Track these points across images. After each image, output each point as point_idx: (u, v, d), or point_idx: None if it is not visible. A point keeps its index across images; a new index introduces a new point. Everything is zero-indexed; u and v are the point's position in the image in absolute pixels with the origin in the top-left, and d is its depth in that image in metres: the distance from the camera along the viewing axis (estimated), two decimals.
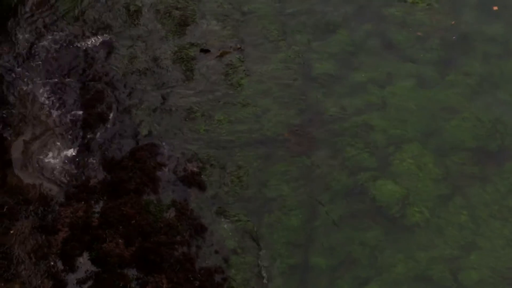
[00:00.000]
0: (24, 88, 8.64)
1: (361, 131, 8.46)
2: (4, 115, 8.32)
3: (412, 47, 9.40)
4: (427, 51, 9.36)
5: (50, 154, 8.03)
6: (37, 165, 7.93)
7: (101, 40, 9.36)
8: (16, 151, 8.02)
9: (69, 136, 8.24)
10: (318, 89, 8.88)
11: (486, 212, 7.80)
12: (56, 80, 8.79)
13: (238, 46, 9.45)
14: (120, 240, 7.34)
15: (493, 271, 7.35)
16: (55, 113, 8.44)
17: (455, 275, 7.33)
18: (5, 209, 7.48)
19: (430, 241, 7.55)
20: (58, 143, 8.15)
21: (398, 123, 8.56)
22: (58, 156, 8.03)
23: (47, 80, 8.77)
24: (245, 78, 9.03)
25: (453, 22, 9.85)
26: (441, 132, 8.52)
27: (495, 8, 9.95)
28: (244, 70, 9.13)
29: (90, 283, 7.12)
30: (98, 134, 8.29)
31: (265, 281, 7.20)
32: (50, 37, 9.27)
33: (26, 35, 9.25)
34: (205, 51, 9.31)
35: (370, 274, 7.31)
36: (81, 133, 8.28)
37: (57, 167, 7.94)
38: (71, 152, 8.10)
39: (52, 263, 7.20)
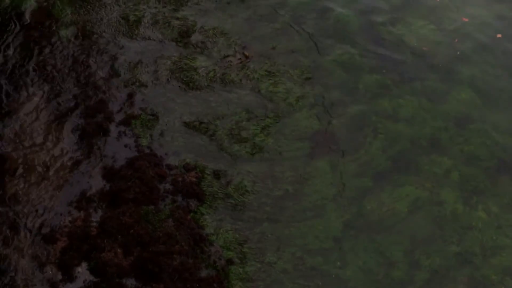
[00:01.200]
0: (23, 96, 8.67)
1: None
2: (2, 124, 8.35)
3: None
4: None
5: (49, 162, 8.03)
6: (35, 173, 7.92)
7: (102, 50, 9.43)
8: (14, 159, 8.02)
9: (68, 145, 8.25)
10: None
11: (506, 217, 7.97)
12: (57, 89, 8.82)
13: (247, 53, 9.50)
14: (118, 250, 7.33)
15: None
16: (54, 122, 8.45)
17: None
18: (3, 218, 7.49)
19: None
20: (57, 152, 8.16)
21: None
22: (57, 165, 8.03)
23: (47, 89, 8.80)
24: (264, 83, 9.11)
25: (456, 40, 9.95)
26: (455, 141, 8.65)
27: (499, 36, 10.04)
28: (261, 72, 9.24)
29: None
30: (97, 143, 8.30)
31: None
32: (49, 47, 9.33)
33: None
34: (246, 56, 9.36)
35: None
36: (80, 142, 8.29)
37: (56, 175, 7.94)
38: (70, 161, 8.10)
39: (50, 273, 7.18)
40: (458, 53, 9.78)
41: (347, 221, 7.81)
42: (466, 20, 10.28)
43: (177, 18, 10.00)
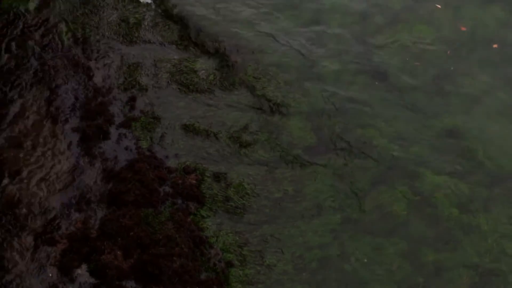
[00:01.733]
0: (23, 99, 8.68)
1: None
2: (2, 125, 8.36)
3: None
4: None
5: (49, 165, 8.04)
6: (35, 175, 7.93)
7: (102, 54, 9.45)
8: (14, 162, 8.03)
9: (68, 148, 8.26)
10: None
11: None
12: (56, 92, 8.83)
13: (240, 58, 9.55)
14: (118, 252, 7.33)
15: None
16: (54, 125, 8.46)
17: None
18: (3, 221, 7.49)
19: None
20: (57, 154, 8.17)
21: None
22: (57, 167, 8.04)
23: (47, 91, 8.81)
24: (262, 85, 9.14)
25: (448, 52, 9.93)
26: (449, 155, 8.62)
27: (495, 46, 10.03)
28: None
29: None
30: (98, 145, 8.31)
31: None
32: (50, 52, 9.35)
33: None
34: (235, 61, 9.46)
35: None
36: (80, 145, 8.30)
37: (56, 177, 7.94)
38: (70, 163, 8.11)
39: (50, 275, 7.18)
40: (452, 68, 9.72)
41: (347, 220, 7.82)
42: (464, 29, 10.25)
43: (177, 21, 10.02)
